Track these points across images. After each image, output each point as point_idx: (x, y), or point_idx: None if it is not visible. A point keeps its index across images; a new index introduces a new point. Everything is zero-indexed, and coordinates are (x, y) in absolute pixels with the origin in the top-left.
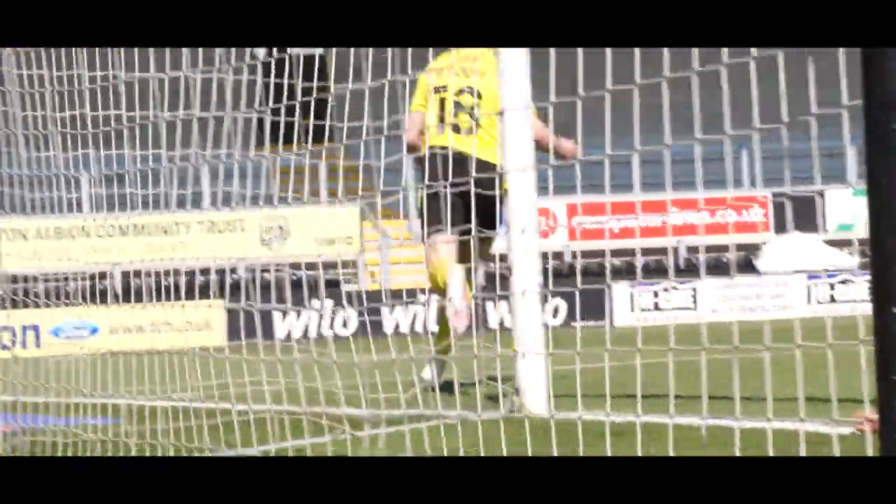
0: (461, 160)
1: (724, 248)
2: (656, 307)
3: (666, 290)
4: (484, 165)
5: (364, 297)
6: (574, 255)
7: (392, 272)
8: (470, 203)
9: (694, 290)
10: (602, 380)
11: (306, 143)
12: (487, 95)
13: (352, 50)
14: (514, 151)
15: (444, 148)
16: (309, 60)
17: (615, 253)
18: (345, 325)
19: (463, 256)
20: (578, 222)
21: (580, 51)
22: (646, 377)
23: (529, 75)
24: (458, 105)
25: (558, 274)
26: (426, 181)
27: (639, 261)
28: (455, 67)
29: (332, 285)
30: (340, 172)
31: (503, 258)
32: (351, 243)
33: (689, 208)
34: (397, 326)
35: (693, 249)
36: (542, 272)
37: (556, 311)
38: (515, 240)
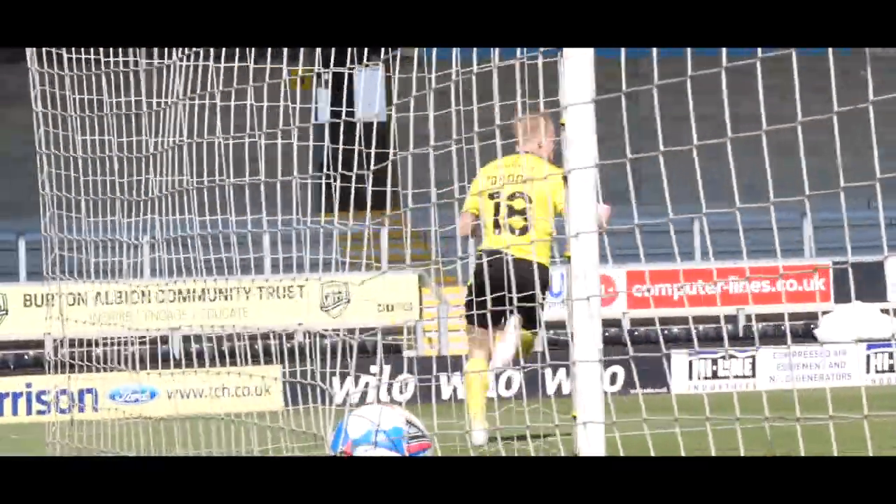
0: (516, 262)
1: (783, 317)
2: (714, 375)
3: (724, 357)
4: (537, 267)
5: (424, 363)
6: (633, 323)
7: (450, 339)
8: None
9: (753, 358)
10: (662, 446)
11: (369, 209)
12: (538, 199)
13: (411, 115)
14: (577, 215)
15: (497, 251)
16: (370, 126)
17: (673, 321)
18: (402, 390)
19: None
20: (638, 289)
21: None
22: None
23: (595, 135)
24: (511, 209)
25: (616, 342)
26: (476, 277)
27: (696, 329)
28: (505, 175)
29: (392, 351)
30: (407, 239)
31: (562, 326)
32: (410, 309)
33: (748, 276)
34: (455, 392)
35: (751, 318)
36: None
37: (614, 378)
38: (577, 307)
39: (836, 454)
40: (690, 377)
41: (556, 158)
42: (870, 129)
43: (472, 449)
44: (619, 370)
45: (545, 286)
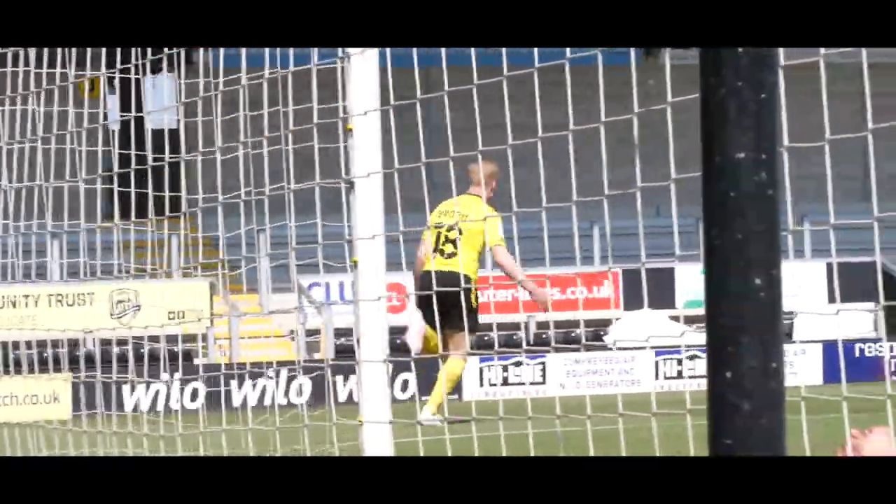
0: (441, 275)
1: (575, 324)
2: (505, 382)
3: (516, 364)
4: (455, 276)
5: (213, 370)
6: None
7: (241, 346)
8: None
9: (543, 364)
10: (457, 451)
11: (156, 215)
12: (469, 231)
13: (199, 120)
14: (362, 222)
15: (429, 271)
16: (159, 133)
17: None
18: (193, 398)
19: (430, 342)
20: None
21: (420, 127)
22: (493, 448)
23: (381, 153)
24: (447, 239)
25: (408, 348)
26: (421, 288)
27: (492, 335)
28: (450, 212)
29: (182, 358)
30: (199, 245)
31: (351, 332)
32: (201, 317)
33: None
34: (245, 400)
35: (543, 325)
36: (392, 346)
37: (406, 385)
38: (364, 309)
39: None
40: (482, 384)
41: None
42: (663, 138)
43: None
44: (411, 377)
45: (468, 292)
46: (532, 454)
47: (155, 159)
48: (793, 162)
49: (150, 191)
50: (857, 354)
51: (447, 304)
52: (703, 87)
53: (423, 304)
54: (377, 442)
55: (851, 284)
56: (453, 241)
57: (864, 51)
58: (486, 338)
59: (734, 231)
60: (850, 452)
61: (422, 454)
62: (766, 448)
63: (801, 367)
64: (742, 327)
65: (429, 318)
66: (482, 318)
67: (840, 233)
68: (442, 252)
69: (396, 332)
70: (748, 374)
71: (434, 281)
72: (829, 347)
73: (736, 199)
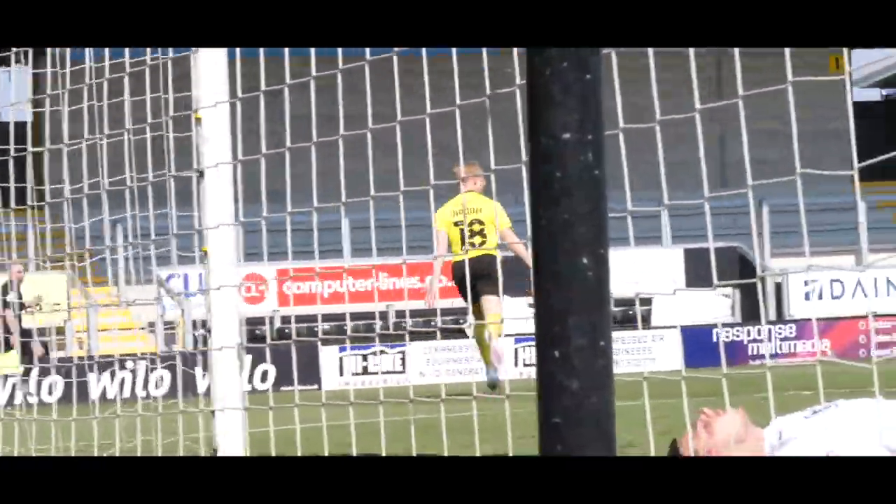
0: (478, 259)
1: (434, 312)
2: (365, 371)
3: (375, 353)
4: (490, 256)
5: (69, 362)
6: (285, 321)
7: (100, 339)
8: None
9: (403, 353)
10: (310, 439)
11: (4, 206)
12: (488, 220)
13: (47, 111)
14: (212, 212)
15: (465, 260)
16: (19, 126)
17: (325, 318)
18: (51, 391)
19: (480, 316)
20: (289, 287)
21: (287, 112)
22: (344, 438)
23: (231, 141)
24: (474, 232)
25: (266, 339)
26: (458, 279)
27: (348, 325)
28: (462, 210)
29: (41, 350)
30: (64, 237)
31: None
32: (58, 309)
33: (396, 274)
34: (104, 392)
35: (401, 314)
36: (251, 337)
37: (265, 376)
38: (215, 297)
39: (478, 443)
40: (341, 373)
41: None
42: (484, 128)
43: (489, 386)
44: (271, 367)
45: (496, 267)
46: (383, 442)
47: (2, 152)
48: (647, 147)
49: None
50: (715, 339)
51: (484, 276)
52: (528, 69)
53: (463, 289)
54: (230, 431)
55: (710, 270)
56: (480, 232)
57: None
58: (343, 327)
59: (561, 212)
60: (700, 430)
61: (272, 443)
62: (595, 426)
63: (660, 353)
64: (570, 307)
65: (472, 299)
66: (343, 308)
67: (698, 218)
68: (473, 244)
69: (255, 323)
70: (577, 353)
71: (472, 267)
72: (687, 332)
73: (562, 179)
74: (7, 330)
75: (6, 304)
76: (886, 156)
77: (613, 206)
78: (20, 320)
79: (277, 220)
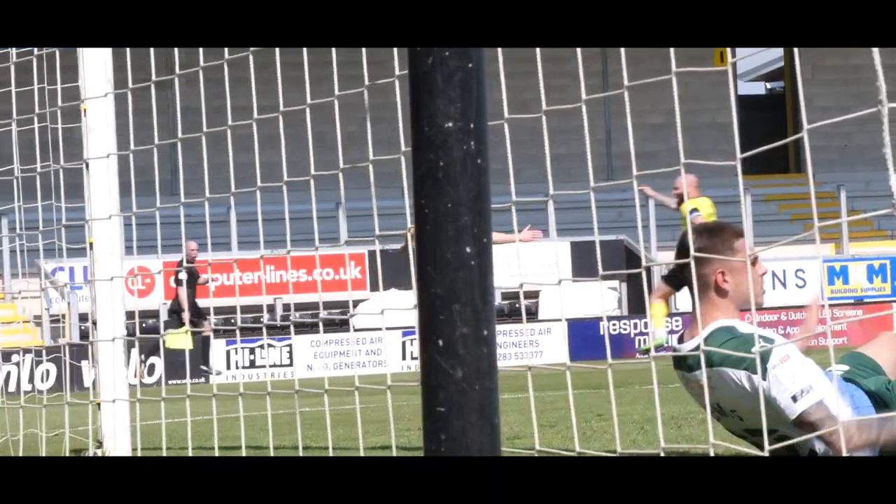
0: None
1: (322, 306)
2: (252, 364)
3: (262, 347)
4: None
5: None
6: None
7: None
8: None
9: (290, 347)
10: (198, 433)
11: None
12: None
13: None
14: (98, 204)
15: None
16: None
17: (214, 311)
18: None
19: None
20: (179, 281)
21: (179, 102)
22: (232, 430)
23: (115, 134)
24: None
25: (153, 331)
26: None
27: (237, 318)
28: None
29: None
30: None
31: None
32: None
33: (283, 267)
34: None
35: (288, 307)
36: (138, 329)
37: (152, 370)
38: (100, 289)
39: (361, 437)
40: (229, 366)
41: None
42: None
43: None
44: (158, 361)
45: None
46: (270, 433)
47: None
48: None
49: None
50: (602, 332)
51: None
52: (410, 58)
53: None
54: (116, 424)
55: (596, 263)
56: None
57: None
58: (231, 321)
59: (444, 200)
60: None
61: (164, 435)
62: (480, 414)
63: (547, 346)
64: (454, 295)
65: None
66: (228, 301)
67: (585, 212)
68: None
69: (145, 316)
70: (461, 341)
71: None
72: (574, 325)
73: (445, 168)
74: None
75: None
76: (767, 147)
77: (500, 197)
78: None
79: (166, 213)
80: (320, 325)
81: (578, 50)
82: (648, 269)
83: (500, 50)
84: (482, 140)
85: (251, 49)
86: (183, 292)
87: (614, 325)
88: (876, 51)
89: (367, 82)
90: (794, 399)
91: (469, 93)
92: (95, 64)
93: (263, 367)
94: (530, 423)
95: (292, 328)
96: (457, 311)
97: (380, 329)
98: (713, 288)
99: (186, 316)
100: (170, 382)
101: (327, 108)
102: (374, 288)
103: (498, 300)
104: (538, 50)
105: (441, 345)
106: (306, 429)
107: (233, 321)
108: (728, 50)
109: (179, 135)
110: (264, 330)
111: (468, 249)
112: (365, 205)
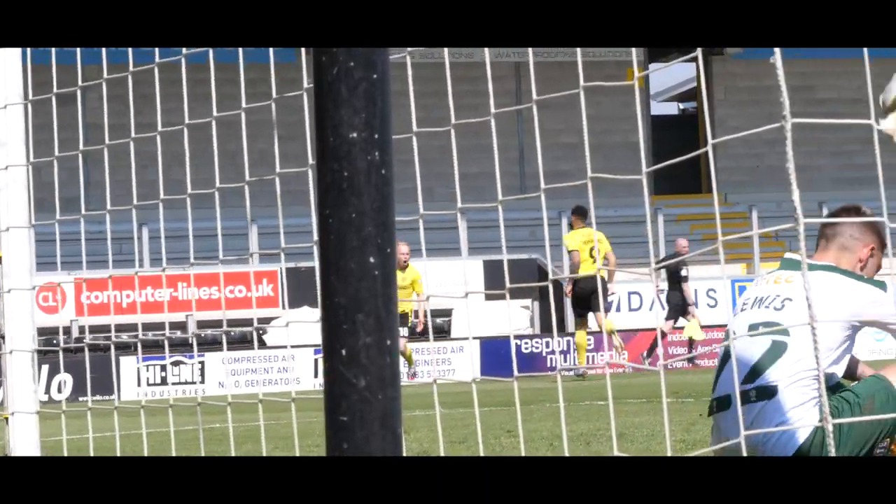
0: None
1: (234, 323)
2: (164, 381)
3: (174, 364)
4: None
5: None
6: (82, 331)
7: None
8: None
9: (202, 364)
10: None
11: None
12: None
13: None
14: (6, 215)
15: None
16: None
17: (123, 328)
18: None
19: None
20: (87, 297)
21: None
22: (137, 446)
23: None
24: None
25: (65, 350)
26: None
27: (147, 336)
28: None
29: None
30: None
31: None
32: None
33: (204, 284)
34: None
35: (203, 324)
36: (48, 346)
37: (61, 386)
38: (9, 301)
39: (265, 453)
40: (139, 383)
41: None
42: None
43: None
44: (68, 378)
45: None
46: (173, 449)
47: None
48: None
49: None
50: (515, 351)
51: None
52: (315, 68)
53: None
54: (24, 437)
55: (510, 281)
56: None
57: (485, 50)
58: (149, 335)
59: (348, 210)
60: None
61: (65, 451)
62: (382, 423)
63: (459, 364)
64: (357, 305)
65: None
66: (145, 318)
67: (498, 231)
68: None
69: (52, 333)
70: (364, 351)
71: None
72: (487, 344)
73: (349, 178)
74: None
75: None
76: (668, 162)
77: (411, 214)
78: None
79: (72, 230)
80: (223, 342)
81: (488, 64)
82: (558, 285)
83: (410, 66)
84: (386, 151)
85: (156, 62)
86: None
87: (526, 343)
88: (780, 67)
89: (274, 95)
90: None
91: (374, 104)
92: (2, 73)
93: (174, 384)
94: (443, 438)
95: (195, 345)
96: (360, 321)
97: (294, 346)
98: None
99: None
100: (79, 399)
101: (236, 126)
102: (290, 305)
103: (412, 318)
104: (448, 66)
105: (344, 355)
106: (215, 444)
107: (142, 338)
108: (634, 69)
109: (82, 148)
110: (166, 346)
111: (372, 259)
112: (292, 221)
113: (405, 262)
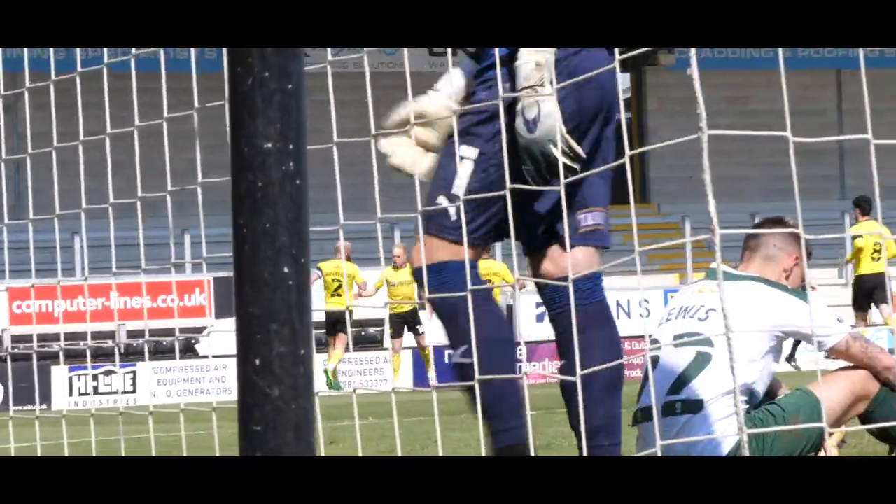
0: None
1: (168, 332)
2: (96, 391)
3: (105, 374)
4: None
5: None
6: (16, 339)
7: None
8: None
9: (133, 373)
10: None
11: None
12: None
13: None
14: None
15: None
16: None
17: (55, 337)
18: None
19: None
20: (19, 306)
21: None
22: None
23: None
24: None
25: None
26: None
27: (77, 345)
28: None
29: None
30: None
31: None
32: None
33: (137, 294)
34: None
35: (134, 334)
36: None
37: None
38: None
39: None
40: (71, 393)
41: None
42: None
43: None
44: None
45: None
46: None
47: None
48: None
49: None
50: (446, 360)
51: None
52: (229, 78)
53: None
54: None
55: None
56: None
57: (405, 59)
58: (80, 344)
59: (263, 220)
60: None
61: None
62: (296, 433)
63: (392, 374)
64: (271, 315)
65: None
66: (78, 327)
67: None
68: None
69: None
70: (277, 361)
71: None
72: (418, 354)
73: (264, 188)
74: None
75: None
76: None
77: (323, 226)
78: None
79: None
80: (145, 351)
81: (408, 75)
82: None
83: (330, 76)
84: (301, 161)
85: (78, 71)
86: None
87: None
88: (696, 78)
89: (196, 105)
90: None
91: (288, 114)
92: None
93: (104, 393)
94: (367, 449)
95: (117, 355)
96: (274, 331)
97: (225, 356)
98: None
99: None
100: (12, 409)
101: (162, 136)
102: (220, 315)
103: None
104: (368, 74)
105: (258, 364)
106: (140, 454)
107: (81, 345)
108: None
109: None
110: (88, 356)
111: (286, 269)
112: (217, 231)
113: (403, 262)
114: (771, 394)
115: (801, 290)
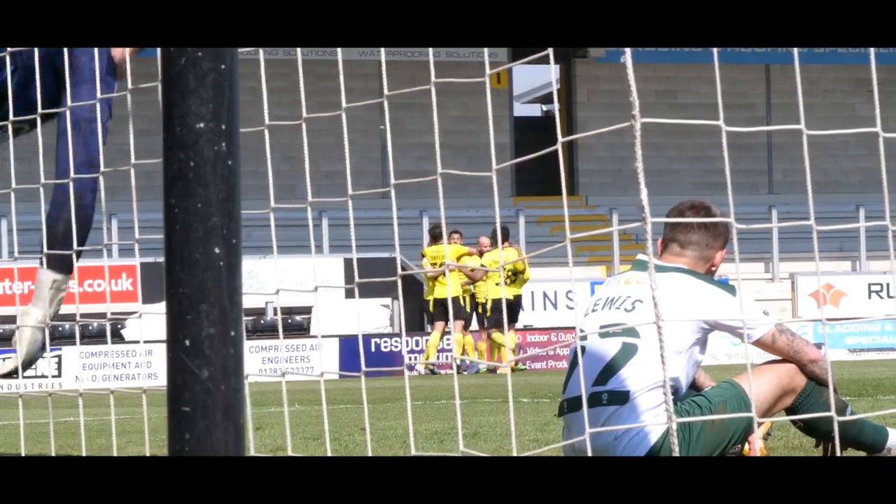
0: None
1: (92, 317)
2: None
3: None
4: None
5: None
6: None
7: None
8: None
9: (59, 357)
10: None
11: None
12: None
13: None
14: None
15: None
16: None
17: None
18: None
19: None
20: None
21: None
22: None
23: None
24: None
25: None
26: None
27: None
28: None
29: None
30: None
31: None
32: None
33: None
34: None
35: (61, 318)
36: None
37: None
38: None
39: (115, 447)
40: None
41: None
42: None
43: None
44: None
45: None
46: (22, 442)
47: None
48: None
49: None
50: (374, 349)
51: None
52: (162, 58)
53: None
54: None
55: (369, 280)
56: None
57: (382, 51)
58: (2, 330)
59: (195, 200)
60: None
61: None
62: (225, 414)
63: (317, 362)
64: (202, 295)
65: None
66: (4, 311)
67: (358, 229)
68: None
69: None
70: (207, 341)
71: None
72: (346, 342)
73: (196, 168)
74: None
75: None
76: (517, 160)
77: (264, 210)
78: None
79: None
80: (77, 335)
81: (340, 63)
82: (415, 283)
83: (262, 61)
84: (234, 142)
85: (9, 51)
86: None
87: (386, 342)
88: (629, 67)
89: (129, 86)
90: None
91: (221, 94)
92: None
93: (29, 377)
94: (294, 436)
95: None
96: (204, 312)
97: (153, 341)
98: None
99: None
100: None
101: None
102: (147, 300)
103: (271, 315)
104: (300, 62)
105: (188, 344)
106: (68, 438)
107: (2, 331)
108: (487, 66)
109: None
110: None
111: (217, 250)
112: (148, 216)
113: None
114: (697, 386)
115: (729, 284)
